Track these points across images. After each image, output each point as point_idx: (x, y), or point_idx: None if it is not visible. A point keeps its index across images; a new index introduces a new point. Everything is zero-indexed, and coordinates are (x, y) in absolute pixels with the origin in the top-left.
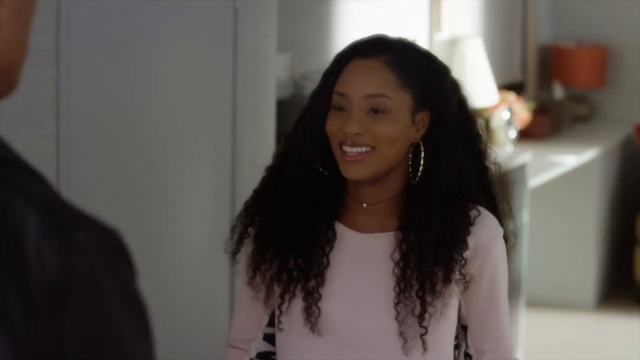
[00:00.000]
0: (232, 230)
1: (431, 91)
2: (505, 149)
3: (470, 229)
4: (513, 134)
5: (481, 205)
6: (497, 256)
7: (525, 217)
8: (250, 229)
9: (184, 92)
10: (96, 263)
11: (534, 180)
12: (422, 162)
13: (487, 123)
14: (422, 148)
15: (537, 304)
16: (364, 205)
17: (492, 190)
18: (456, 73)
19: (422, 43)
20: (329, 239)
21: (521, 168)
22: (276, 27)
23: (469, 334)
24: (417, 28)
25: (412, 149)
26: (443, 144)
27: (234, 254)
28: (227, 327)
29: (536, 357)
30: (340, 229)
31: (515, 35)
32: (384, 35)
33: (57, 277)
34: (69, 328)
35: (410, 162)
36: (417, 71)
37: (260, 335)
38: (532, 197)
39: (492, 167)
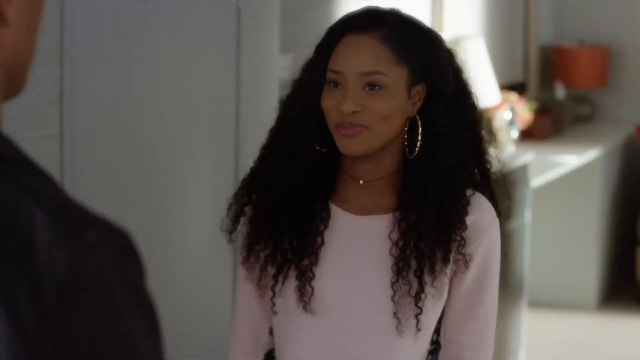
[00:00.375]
0: (229, 209)
1: (427, 64)
2: (507, 149)
3: (468, 208)
4: (515, 134)
5: (477, 178)
6: (492, 244)
7: (527, 217)
8: (246, 207)
9: (187, 92)
10: (106, 263)
11: (536, 181)
12: (419, 137)
13: (490, 123)
14: (420, 123)
15: (539, 304)
16: (361, 182)
17: (486, 163)
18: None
19: None
20: (324, 218)
21: (523, 168)
22: (279, 28)
23: (444, 322)
24: None
25: (408, 123)
26: (440, 118)
27: (230, 232)
28: (229, 326)
29: (538, 356)
30: (335, 210)
31: (517, 36)
32: (376, 7)
33: (67, 277)
34: (79, 328)
35: (405, 137)
36: (412, 45)
37: (267, 328)
38: (534, 197)
39: (486, 137)
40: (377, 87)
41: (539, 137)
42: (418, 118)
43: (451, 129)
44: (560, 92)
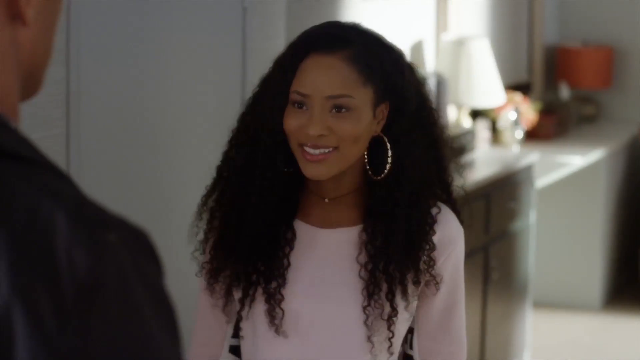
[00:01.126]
0: (194, 236)
1: (391, 82)
2: (512, 150)
3: (435, 227)
4: (519, 134)
5: (439, 192)
6: (459, 256)
7: (532, 217)
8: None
9: (193, 92)
10: (126, 263)
11: (541, 181)
12: (389, 157)
13: (494, 123)
14: (388, 143)
15: (544, 304)
16: (326, 200)
17: (447, 178)
18: (463, 74)
19: (429, 43)
20: (289, 240)
21: (528, 168)
22: (284, 28)
23: (417, 337)
24: (424, 29)
25: (370, 142)
26: (403, 137)
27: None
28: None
29: (543, 357)
30: (300, 226)
31: (522, 36)
32: (338, 22)
33: (87, 277)
34: (99, 328)
35: (366, 155)
36: (377, 64)
37: (225, 348)
38: (538, 198)
39: (447, 153)
40: (343, 110)
41: (543, 138)
42: (385, 138)
43: (415, 148)
44: (564, 92)
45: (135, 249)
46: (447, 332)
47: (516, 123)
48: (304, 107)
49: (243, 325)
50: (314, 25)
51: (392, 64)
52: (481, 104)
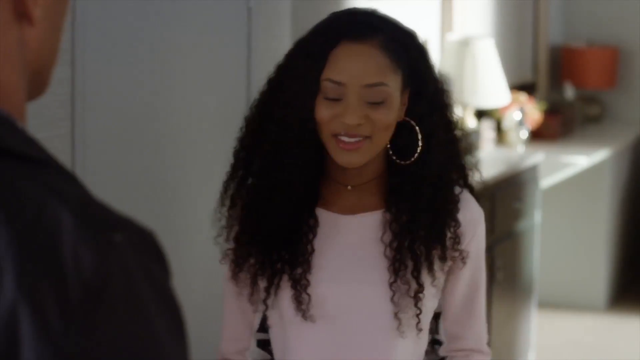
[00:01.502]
0: (217, 221)
1: (416, 68)
2: (516, 150)
3: (458, 205)
4: (524, 134)
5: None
6: (480, 239)
7: (537, 217)
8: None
9: (198, 93)
10: (132, 264)
11: (546, 181)
12: (420, 141)
13: (499, 124)
14: (418, 129)
15: (549, 304)
16: (349, 187)
17: (464, 164)
18: (468, 74)
19: (434, 43)
20: (311, 226)
21: (533, 169)
22: (290, 28)
23: (442, 319)
24: (429, 28)
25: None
26: (426, 118)
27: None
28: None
29: (547, 357)
30: (322, 214)
31: (527, 36)
32: (360, 10)
33: (93, 278)
34: (105, 329)
35: (389, 142)
36: (404, 51)
37: (253, 342)
38: (543, 198)
39: (460, 135)
40: (379, 102)
41: (548, 138)
42: (414, 123)
43: (437, 129)
44: (569, 92)
45: (142, 249)
46: (471, 314)
47: (521, 123)
48: (338, 99)
49: (269, 314)
50: (334, 13)
51: (416, 50)
52: (486, 104)
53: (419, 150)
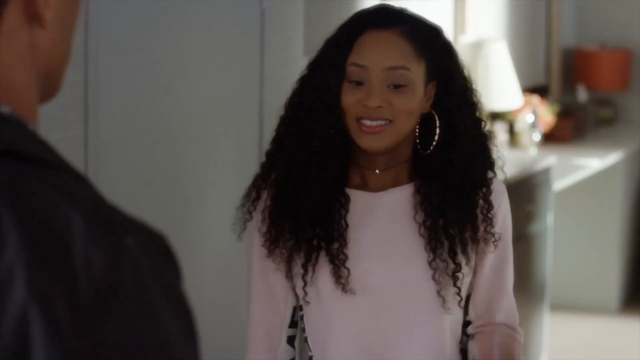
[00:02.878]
0: (243, 205)
1: (441, 62)
2: (529, 152)
3: (491, 188)
4: (537, 137)
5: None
6: (505, 214)
7: (549, 220)
8: (258, 204)
9: (211, 94)
10: (143, 267)
11: (558, 184)
12: (437, 133)
13: (512, 126)
14: (437, 119)
15: (561, 307)
16: (377, 171)
17: (492, 157)
18: (480, 76)
19: None
20: (343, 203)
21: (546, 171)
22: (303, 29)
23: (474, 296)
24: None
25: (420, 119)
26: (454, 113)
27: (245, 222)
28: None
29: (559, 359)
30: (352, 193)
31: (539, 38)
32: (389, 5)
33: (104, 281)
34: (116, 331)
35: (417, 132)
36: (428, 42)
37: (283, 339)
38: (556, 201)
39: (490, 134)
40: (401, 86)
41: (561, 140)
42: (435, 115)
43: (464, 122)
44: (582, 95)
45: (153, 252)
46: (499, 290)
47: (534, 125)
48: (362, 83)
49: (308, 289)
50: (363, 8)
51: (441, 45)
52: (499, 106)
53: (436, 139)
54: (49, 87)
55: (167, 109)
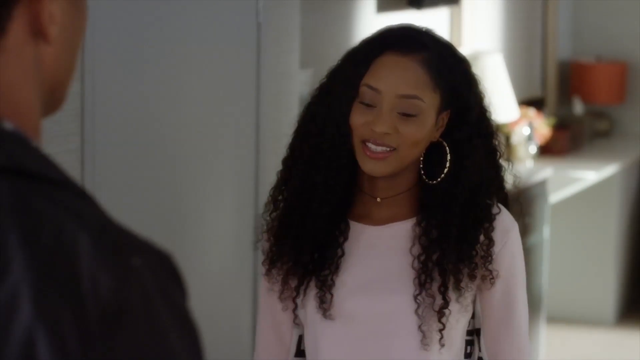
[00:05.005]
0: (263, 214)
1: (457, 92)
2: (525, 165)
3: (494, 224)
4: (533, 149)
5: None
6: (513, 250)
7: (545, 232)
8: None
9: (208, 107)
10: (150, 287)
11: (554, 196)
12: (447, 163)
13: (508, 138)
14: (448, 149)
15: (558, 319)
16: (378, 199)
17: (504, 189)
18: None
19: None
20: (343, 230)
21: (542, 184)
22: (299, 43)
23: (482, 337)
24: None
25: (428, 147)
26: (466, 144)
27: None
28: (250, 340)
29: None
30: (354, 225)
31: (535, 51)
32: (413, 26)
33: (111, 301)
34: (124, 352)
35: (422, 159)
36: (447, 72)
37: None
38: (552, 213)
39: (504, 165)
40: (411, 115)
41: (557, 153)
42: (446, 144)
43: (475, 154)
44: (578, 107)
45: (159, 272)
46: (508, 328)
47: (530, 138)
48: (373, 106)
49: (298, 312)
50: (389, 26)
51: (462, 74)
52: (495, 119)
53: (445, 171)
54: (52, 102)
55: (164, 122)
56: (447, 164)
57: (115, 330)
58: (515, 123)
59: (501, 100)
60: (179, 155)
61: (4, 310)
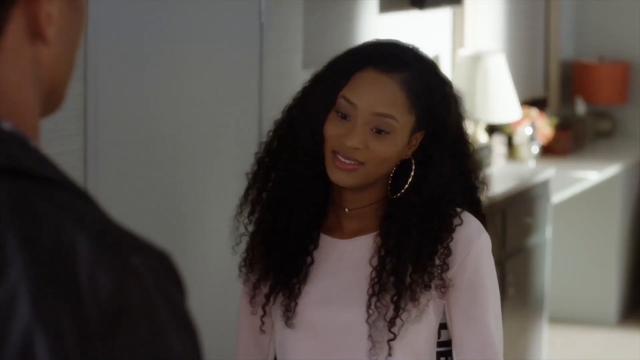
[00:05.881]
0: (234, 230)
1: (434, 113)
2: (528, 165)
3: (453, 235)
4: (536, 149)
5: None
6: (479, 258)
7: (548, 232)
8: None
9: (211, 108)
10: (150, 287)
11: (557, 196)
12: (410, 178)
13: (510, 139)
14: (413, 166)
15: (560, 319)
16: (346, 210)
17: (481, 211)
18: (479, 89)
19: (446, 59)
20: (313, 239)
21: (544, 184)
22: (302, 43)
23: (453, 345)
24: (441, 44)
25: (398, 163)
26: (434, 160)
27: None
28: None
29: None
30: (324, 238)
31: (538, 51)
32: (399, 43)
33: (110, 302)
34: (123, 352)
35: (392, 174)
36: (426, 94)
37: None
38: (554, 213)
39: (481, 186)
40: (383, 132)
41: (559, 153)
42: (413, 162)
43: (442, 169)
44: (580, 107)
45: (159, 272)
46: (473, 338)
47: (532, 138)
48: (347, 118)
49: (265, 320)
50: (376, 40)
51: (441, 97)
52: (497, 119)
53: (406, 187)
54: (51, 102)
55: (166, 122)
56: (409, 180)
57: (115, 330)
58: (518, 123)
59: (504, 101)
60: (180, 156)
61: (2, 311)
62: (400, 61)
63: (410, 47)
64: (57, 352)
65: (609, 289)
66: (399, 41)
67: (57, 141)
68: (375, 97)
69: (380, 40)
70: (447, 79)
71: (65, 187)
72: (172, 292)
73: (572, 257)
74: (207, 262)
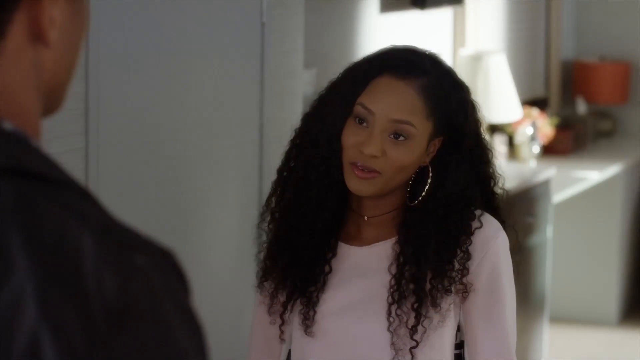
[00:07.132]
0: (257, 238)
1: (452, 120)
2: (529, 165)
3: (472, 238)
4: (536, 149)
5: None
6: (497, 259)
7: (548, 232)
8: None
9: (212, 107)
10: (155, 285)
11: (558, 196)
12: (427, 186)
13: (511, 138)
14: (430, 173)
15: (561, 319)
16: (365, 217)
17: (500, 217)
18: (480, 89)
19: (446, 59)
20: (332, 247)
21: (545, 183)
22: (303, 43)
23: (465, 348)
24: (442, 43)
25: (417, 170)
26: (452, 167)
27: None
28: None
29: None
30: (342, 246)
31: (539, 51)
32: (417, 49)
33: (116, 300)
34: (130, 351)
35: (410, 182)
36: (444, 100)
37: None
38: (555, 213)
39: (500, 192)
40: (401, 138)
41: (560, 153)
42: (430, 169)
43: (460, 180)
44: (581, 107)
45: (163, 270)
46: (490, 340)
47: (533, 138)
48: (365, 124)
49: (284, 328)
50: (393, 46)
51: (458, 103)
52: (498, 119)
53: (423, 194)
54: (51, 104)
55: (168, 122)
56: (427, 187)
57: (121, 329)
58: (519, 123)
59: (504, 100)
60: (182, 155)
61: (8, 312)
62: (417, 67)
63: (428, 53)
64: (64, 351)
65: (610, 289)
66: (416, 47)
67: (59, 140)
68: (392, 103)
69: (396, 46)
70: (464, 84)
71: (68, 187)
72: (176, 290)
73: (573, 256)
74: (209, 261)
